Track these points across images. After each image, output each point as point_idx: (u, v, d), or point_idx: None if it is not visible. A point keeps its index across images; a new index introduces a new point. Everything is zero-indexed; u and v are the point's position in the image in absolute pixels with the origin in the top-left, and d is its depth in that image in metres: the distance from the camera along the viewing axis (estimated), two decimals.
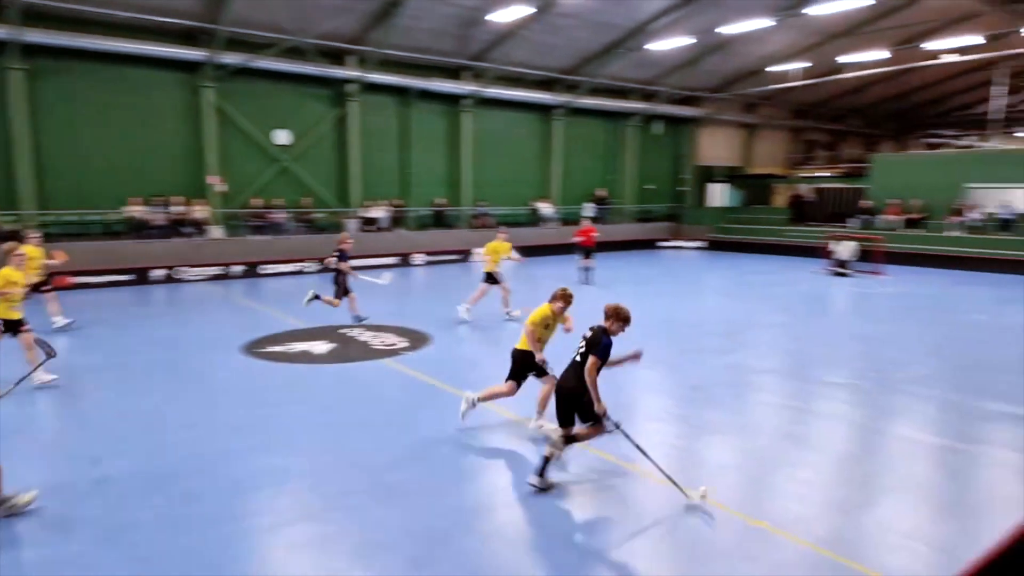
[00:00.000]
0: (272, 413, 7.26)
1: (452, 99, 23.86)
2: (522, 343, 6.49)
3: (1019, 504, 5.14)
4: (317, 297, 11.62)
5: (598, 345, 5.19)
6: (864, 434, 6.94)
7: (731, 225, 28.22)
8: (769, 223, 27.11)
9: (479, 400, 6.69)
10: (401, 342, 10.62)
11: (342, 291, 11.67)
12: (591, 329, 5.39)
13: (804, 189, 29.74)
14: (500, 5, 18.49)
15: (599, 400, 5.13)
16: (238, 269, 18.76)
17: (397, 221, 22.88)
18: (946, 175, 23.35)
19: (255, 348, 10.11)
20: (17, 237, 11.77)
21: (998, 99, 26.12)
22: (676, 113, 29.65)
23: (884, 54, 23.44)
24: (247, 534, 4.69)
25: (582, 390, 5.17)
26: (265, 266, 19.19)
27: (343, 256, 11.63)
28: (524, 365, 6.51)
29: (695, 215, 30.26)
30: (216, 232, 19.03)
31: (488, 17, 19.14)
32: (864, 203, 24.51)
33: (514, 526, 4.92)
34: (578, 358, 5.36)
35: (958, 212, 22.00)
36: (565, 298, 6.48)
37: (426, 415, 7.23)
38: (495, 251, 12.63)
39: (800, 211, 27.66)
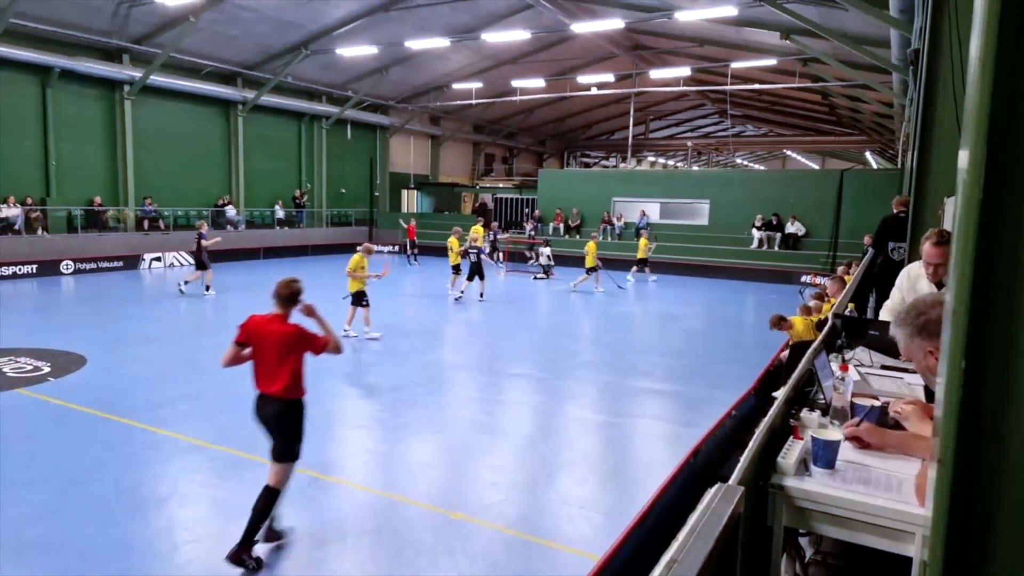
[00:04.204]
0: None
1: (110, 84, 20.60)
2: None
3: (661, 464, 6.19)
4: None
5: None
6: (542, 417, 7.72)
7: (423, 230, 29.33)
8: None
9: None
10: (43, 366, 8.75)
11: None
12: None
13: (486, 198, 32.38)
14: None
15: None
16: None
17: (36, 222, 18.87)
18: (597, 189, 27.49)
19: None
20: None
21: (631, 128, 31.72)
22: (367, 119, 29.82)
23: (544, 82, 26.66)
24: None
25: None
26: None
27: None
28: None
29: (389, 220, 30.79)
30: None
31: None
32: (536, 212, 27.62)
33: (201, 570, 4.32)
34: None
35: (608, 221, 26.08)
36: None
37: (81, 451, 6.01)
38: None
39: (484, 218, 29.99)
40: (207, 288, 15.45)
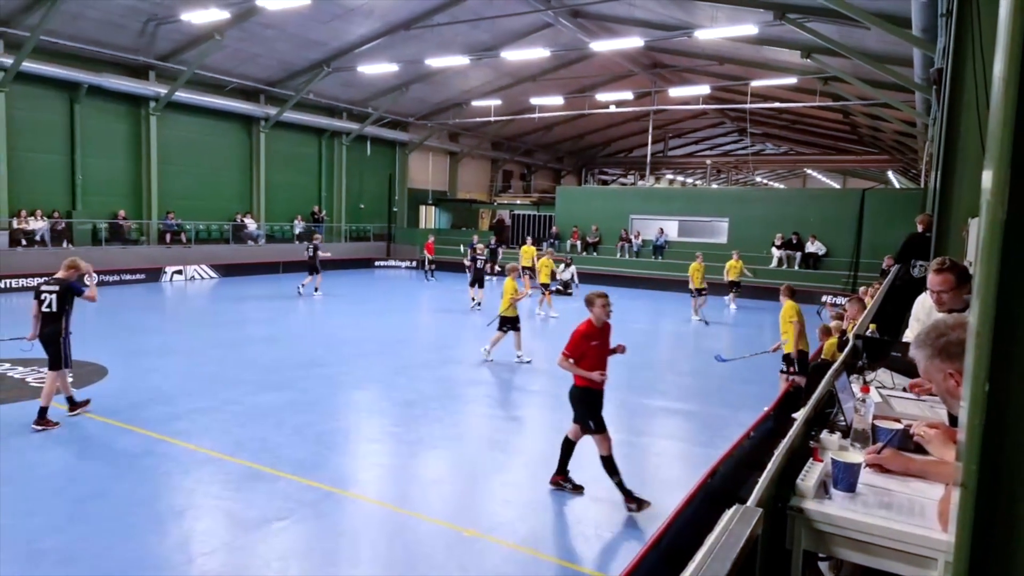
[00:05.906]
0: None
1: (135, 100, 21.07)
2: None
3: (678, 484, 6.11)
4: None
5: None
6: (557, 435, 7.62)
7: (441, 246, 29.48)
8: None
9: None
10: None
11: None
12: None
13: (504, 215, 32.53)
14: (192, 6, 16.79)
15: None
16: None
17: (62, 235, 19.26)
18: (615, 207, 27.49)
19: None
20: None
21: (650, 145, 31.75)
22: (386, 136, 30.15)
23: (563, 100, 26.84)
24: None
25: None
26: None
27: None
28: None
29: (407, 235, 31.02)
30: None
31: (183, 17, 17.17)
32: (554, 229, 27.68)
33: None
34: None
35: (626, 238, 26.04)
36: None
37: (98, 461, 6.07)
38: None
39: (502, 234, 30.16)
40: (315, 290, 18.10)
